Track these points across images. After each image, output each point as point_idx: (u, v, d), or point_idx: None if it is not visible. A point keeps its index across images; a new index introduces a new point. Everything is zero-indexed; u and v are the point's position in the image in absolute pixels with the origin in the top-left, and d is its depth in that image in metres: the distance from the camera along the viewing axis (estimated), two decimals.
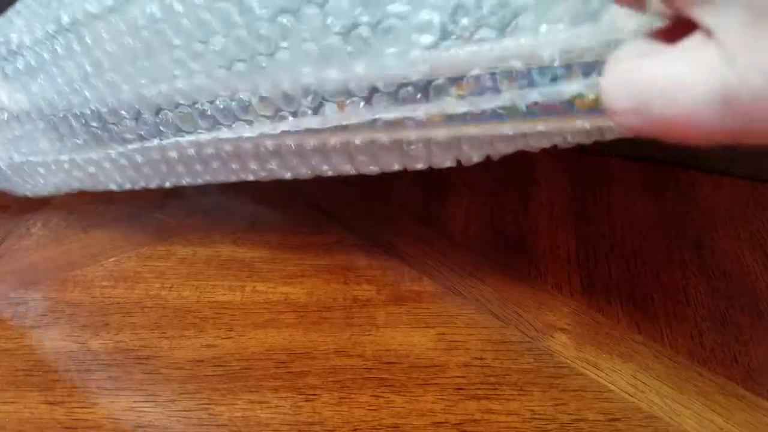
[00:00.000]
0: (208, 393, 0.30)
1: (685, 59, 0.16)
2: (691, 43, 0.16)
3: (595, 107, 0.24)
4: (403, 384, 0.30)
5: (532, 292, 0.35)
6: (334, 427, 0.29)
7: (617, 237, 0.39)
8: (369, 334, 0.33)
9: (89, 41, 0.32)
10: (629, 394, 0.29)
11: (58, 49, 0.33)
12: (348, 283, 0.36)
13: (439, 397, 0.30)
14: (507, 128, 0.26)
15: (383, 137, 0.29)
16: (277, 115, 0.29)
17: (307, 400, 0.30)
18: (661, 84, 0.16)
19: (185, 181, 0.35)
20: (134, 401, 0.30)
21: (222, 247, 0.39)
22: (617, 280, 0.35)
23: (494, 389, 0.30)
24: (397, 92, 0.26)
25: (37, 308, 0.36)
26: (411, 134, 0.28)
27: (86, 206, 0.42)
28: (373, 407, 0.29)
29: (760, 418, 0.28)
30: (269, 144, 0.31)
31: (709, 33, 0.15)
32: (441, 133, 0.27)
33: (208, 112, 0.31)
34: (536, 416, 0.29)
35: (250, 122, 0.30)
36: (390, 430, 0.28)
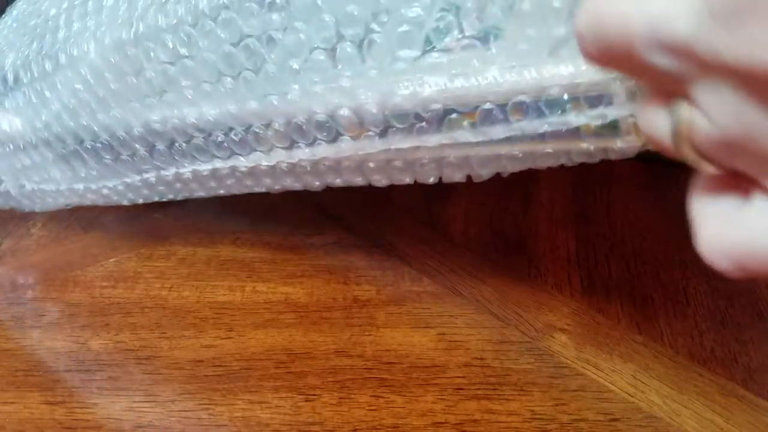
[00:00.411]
0: (208, 393, 0.30)
1: (762, 224, 0.17)
2: (761, 204, 0.16)
3: (600, 132, 0.24)
4: (403, 384, 0.30)
5: (532, 292, 0.35)
6: (334, 427, 0.29)
7: (617, 237, 0.39)
8: (369, 334, 0.33)
9: (91, 79, 0.32)
10: (629, 394, 0.29)
11: (59, 87, 0.33)
12: (348, 283, 0.36)
13: (439, 397, 0.30)
14: (516, 149, 0.27)
15: (397, 161, 0.30)
16: (292, 146, 0.30)
17: (307, 400, 0.30)
18: (749, 251, 0.17)
19: (197, 195, 0.36)
20: (134, 401, 0.30)
21: (222, 247, 0.39)
22: (617, 280, 0.35)
23: (494, 389, 0.30)
24: (411, 127, 0.27)
25: (37, 308, 0.36)
26: (424, 157, 0.29)
27: (86, 206, 0.42)
28: (373, 407, 0.29)
29: (760, 418, 0.28)
30: (285, 166, 0.31)
31: None
32: (453, 153, 0.28)
33: (224, 144, 0.31)
34: (536, 416, 0.29)
35: (266, 152, 0.31)
36: (390, 430, 0.28)
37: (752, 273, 0.17)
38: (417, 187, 0.43)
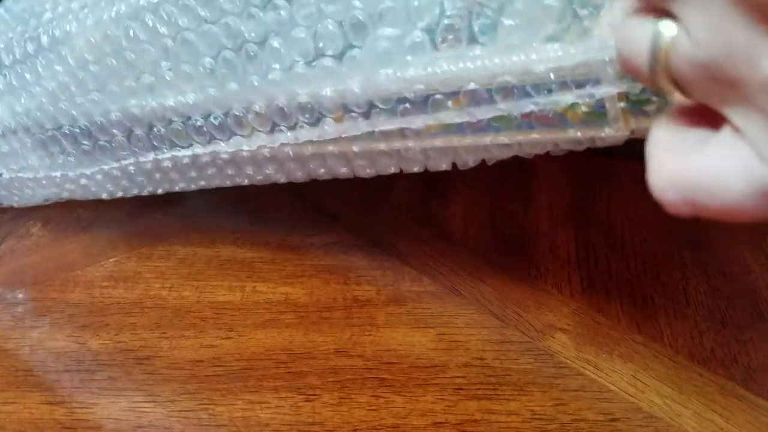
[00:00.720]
0: (208, 393, 0.30)
1: (722, 158, 0.16)
2: (724, 140, 0.16)
3: (587, 119, 0.24)
4: (403, 384, 0.30)
5: (532, 292, 0.35)
6: (334, 428, 0.29)
7: (617, 237, 0.39)
8: (369, 334, 0.33)
9: (71, 61, 0.32)
10: (629, 394, 0.29)
11: (40, 70, 0.33)
12: (348, 283, 0.36)
13: (439, 397, 0.30)
14: (503, 138, 0.26)
15: (381, 145, 0.29)
16: (273, 130, 0.29)
17: (307, 400, 0.30)
18: (703, 183, 0.17)
19: (178, 187, 0.35)
20: (134, 401, 0.30)
21: (222, 248, 0.39)
22: (617, 280, 0.35)
23: (494, 389, 0.30)
24: (395, 108, 0.27)
25: (37, 308, 0.36)
26: (409, 142, 0.28)
27: (86, 206, 0.42)
28: (373, 407, 0.29)
29: (760, 418, 0.28)
30: (266, 152, 0.31)
31: (738, 131, 0.16)
32: (438, 141, 0.28)
33: (204, 128, 0.31)
34: (536, 416, 0.29)
35: (247, 136, 0.30)
36: (390, 430, 0.28)
37: (700, 209, 0.17)
38: (417, 186, 0.43)
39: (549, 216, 0.40)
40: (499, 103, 0.25)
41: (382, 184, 0.41)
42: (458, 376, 0.30)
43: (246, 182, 0.33)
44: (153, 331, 0.34)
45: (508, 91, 0.24)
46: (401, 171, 0.30)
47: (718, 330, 0.32)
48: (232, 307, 0.35)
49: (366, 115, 0.27)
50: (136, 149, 0.33)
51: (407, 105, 0.26)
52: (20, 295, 0.37)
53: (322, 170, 0.31)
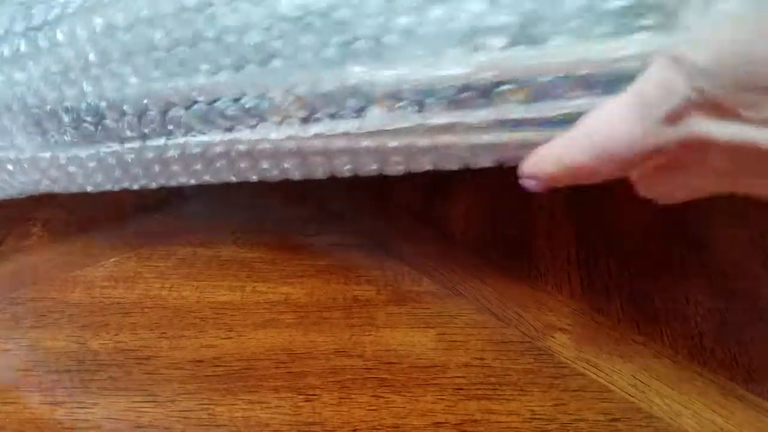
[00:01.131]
0: (208, 393, 0.30)
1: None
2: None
3: None
4: (403, 384, 0.30)
5: (532, 292, 0.35)
6: (334, 428, 0.29)
7: (617, 237, 0.38)
8: (369, 334, 0.33)
9: (96, 28, 0.29)
10: (629, 394, 0.29)
11: (59, 36, 0.30)
12: (348, 283, 0.36)
13: (439, 397, 0.30)
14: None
15: (424, 140, 0.26)
16: (311, 117, 0.27)
17: (307, 400, 0.30)
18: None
19: (175, 182, 0.32)
20: (134, 401, 0.30)
21: (222, 248, 0.39)
22: (617, 280, 0.35)
23: (494, 389, 0.30)
24: (457, 95, 0.24)
25: (37, 308, 0.36)
26: (456, 137, 0.26)
27: (86, 206, 0.42)
28: (373, 407, 0.29)
29: (760, 418, 0.28)
30: (292, 144, 0.28)
31: None
32: (488, 136, 0.26)
33: (229, 112, 0.28)
34: (536, 416, 0.29)
35: (277, 123, 0.27)
36: (390, 430, 0.28)
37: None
38: (417, 186, 0.43)
39: (549, 216, 0.40)
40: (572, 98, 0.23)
41: (383, 184, 0.41)
42: (458, 376, 0.30)
43: (255, 178, 0.31)
44: (153, 331, 0.34)
45: (583, 86, 0.23)
46: (437, 168, 0.28)
47: (718, 330, 0.32)
48: (232, 307, 0.35)
49: (419, 105, 0.25)
50: (146, 131, 0.30)
51: (471, 93, 0.24)
52: (20, 295, 0.37)
53: (348, 167, 0.29)
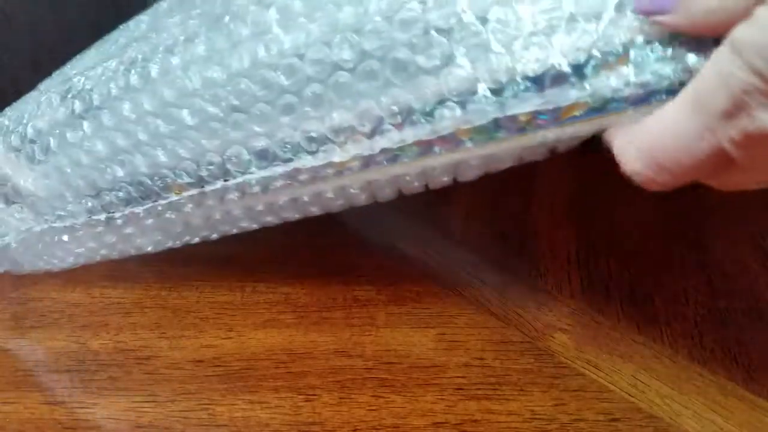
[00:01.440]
0: (208, 393, 0.30)
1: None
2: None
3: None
4: (403, 384, 0.30)
5: (532, 292, 0.35)
6: (334, 427, 0.29)
7: (617, 237, 0.38)
8: (369, 334, 0.33)
9: (148, 107, 0.28)
10: (629, 394, 0.29)
11: (105, 121, 0.30)
12: (348, 283, 0.36)
13: (439, 397, 0.30)
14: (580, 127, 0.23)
15: (440, 158, 0.26)
16: (375, 132, 0.26)
17: (307, 400, 0.30)
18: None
19: (238, 228, 0.32)
20: (134, 401, 0.30)
21: (222, 248, 0.39)
22: (617, 280, 0.35)
23: (494, 389, 0.30)
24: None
25: (37, 308, 0.36)
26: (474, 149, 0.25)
27: None
28: (373, 407, 0.29)
29: (760, 418, 0.28)
30: (357, 164, 0.27)
31: None
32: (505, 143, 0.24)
33: (288, 143, 0.27)
34: (536, 416, 0.29)
35: (342, 144, 0.26)
36: (390, 430, 0.28)
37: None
38: None
39: (549, 216, 0.40)
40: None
41: None
42: (458, 376, 0.31)
43: (317, 211, 0.31)
44: (153, 330, 0.34)
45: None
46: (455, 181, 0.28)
47: (718, 330, 0.32)
48: (232, 307, 0.35)
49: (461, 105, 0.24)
50: (204, 175, 0.29)
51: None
52: (20, 295, 0.37)
53: (416, 184, 0.29)
